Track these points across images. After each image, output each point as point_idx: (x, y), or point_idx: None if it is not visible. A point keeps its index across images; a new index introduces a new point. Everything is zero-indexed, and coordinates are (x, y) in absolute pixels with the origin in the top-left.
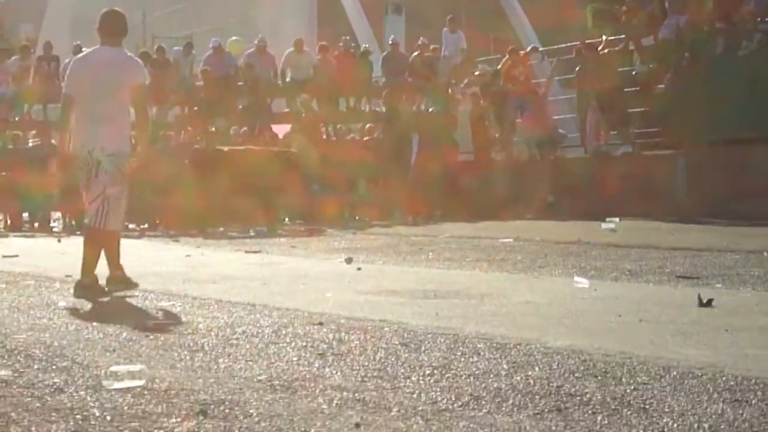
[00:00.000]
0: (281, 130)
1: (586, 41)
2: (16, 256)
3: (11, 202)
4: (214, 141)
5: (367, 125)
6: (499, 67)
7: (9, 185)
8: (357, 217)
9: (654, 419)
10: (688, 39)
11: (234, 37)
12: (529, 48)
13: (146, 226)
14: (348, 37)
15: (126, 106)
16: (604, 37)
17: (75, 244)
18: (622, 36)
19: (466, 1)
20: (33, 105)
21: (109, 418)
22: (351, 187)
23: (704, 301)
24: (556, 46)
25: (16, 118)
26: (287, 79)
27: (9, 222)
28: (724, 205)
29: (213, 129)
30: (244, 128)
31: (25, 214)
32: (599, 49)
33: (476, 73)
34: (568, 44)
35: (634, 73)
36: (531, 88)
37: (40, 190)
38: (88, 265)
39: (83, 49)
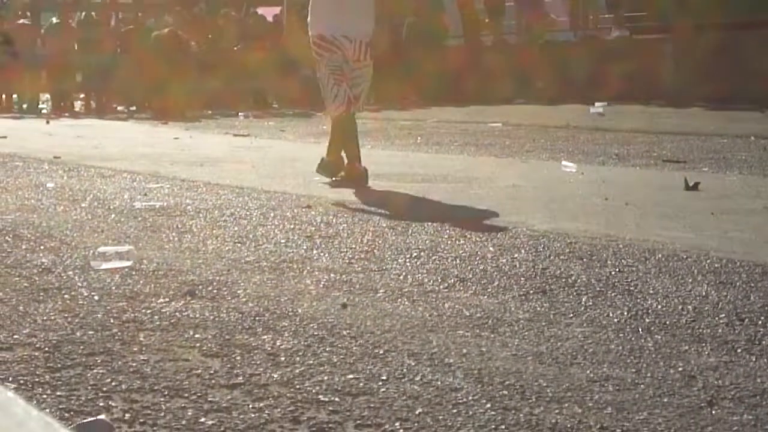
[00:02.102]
0: (270, 12)
1: None
2: (5, 137)
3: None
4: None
5: None
6: None
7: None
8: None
9: (638, 301)
10: None
11: None
12: None
13: (134, 108)
14: None
15: None
16: None
17: (63, 126)
18: None
19: None
20: None
21: (96, 297)
22: None
23: (690, 185)
24: None
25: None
26: None
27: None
28: (713, 90)
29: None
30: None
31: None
32: None
33: None
34: None
35: None
36: None
37: (29, 70)
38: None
39: None
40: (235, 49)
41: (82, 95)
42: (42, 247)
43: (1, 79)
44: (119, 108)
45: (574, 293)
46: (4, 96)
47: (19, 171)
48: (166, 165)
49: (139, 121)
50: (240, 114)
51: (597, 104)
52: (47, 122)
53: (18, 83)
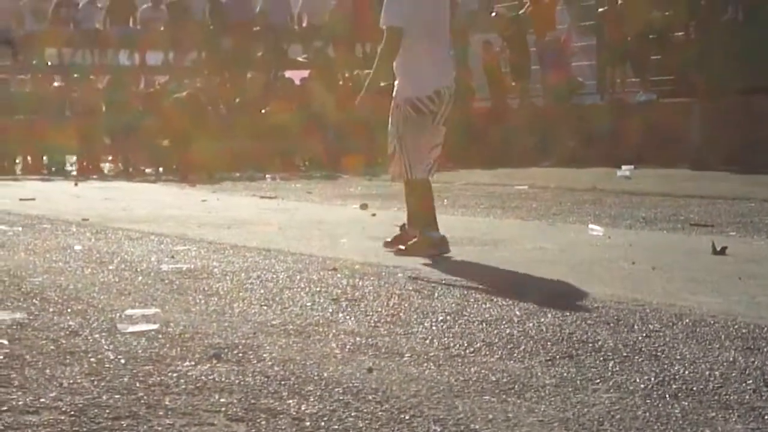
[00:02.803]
0: (298, 75)
1: None
2: (33, 199)
3: (31, 146)
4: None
5: None
6: (521, 12)
7: (29, 129)
8: (378, 162)
9: (665, 366)
10: None
11: None
12: None
13: (161, 170)
14: None
15: None
16: None
17: (92, 188)
18: None
19: None
20: (47, 49)
21: (123, 361)
22: (368, 133)
23: (718, 249)
24: None
25: (34, 62)
26: (303, 25)
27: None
28: (739, 153)
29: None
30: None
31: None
32: None
33: (493, 14)
34: None
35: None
36: (554, 34)
37: (61, 134)
38: (434, 217)
39: None
40: (263, 111)
41: (110, 157)
42: (69, 310)
43: (30, 140)
44: (147, 170)
45: (601, 358)
46: (30, 157)
47: (47, 233)
48: (194, 227)
49: (166, 184)
50: (267, 176)
51: (624, 167)
52: (75, 184)
53: (46, 144)
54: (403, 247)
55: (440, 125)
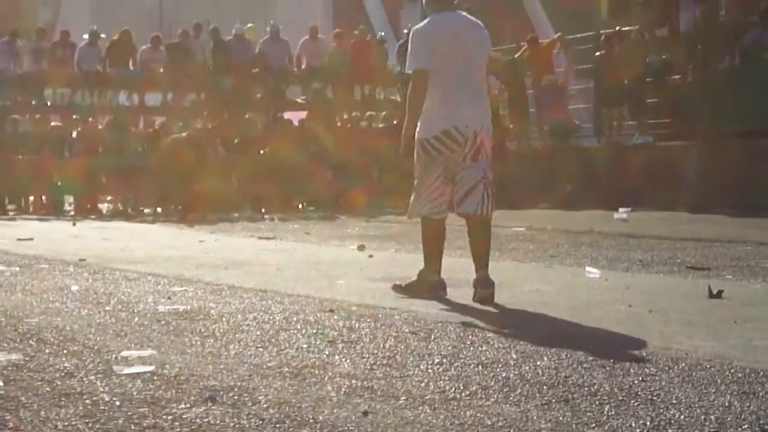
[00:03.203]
0: (296, 117)
1: (617, 29)
2: (32, 239)
3: (38, 185)
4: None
5: (383, 113)
6: (516, 55)
7: (35, 169)
8: (377, 204)
9: (661, 411)
10: (703, 31)
11: (250, 24)
12: (555, 36)
13: (160, 210)
14: (364, 26)
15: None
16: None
17: (90, 228)
18: (636, 26)
19: None
20: (46, 88)
21: (118, 403)
22: (366, 174)
23: (714, 292)
24: (572, 36)
25: (33, 102)
26: (302, 67)
27: (40, 203)
28: (737, 196)
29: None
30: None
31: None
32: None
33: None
34: (584, 34)
35: (647, 61)
36: (551, 78)
37: (64, 173)
38: (432, 259)
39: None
40: (261, 152)
41: (108, 197)
42: (65, 351)
43: (32, 179)
44: (145, 210)
45: (597, 402)
46: (32, 198)
47: (45, 273)
48: (191, 268)
49: (165, 224)
50: (265, 216)
51: (621, 210)
52: (74, 224)
53: (47, 184)
54: (399, 283)
55: (467, 162)
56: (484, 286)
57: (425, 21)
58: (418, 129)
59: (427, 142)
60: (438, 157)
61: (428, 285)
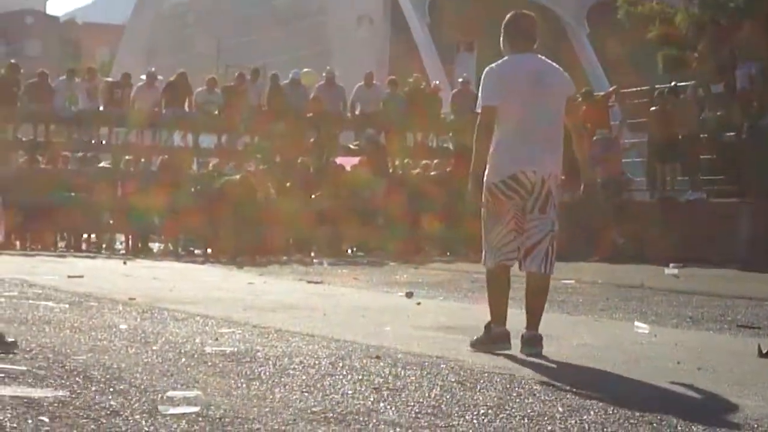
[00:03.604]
0: (348, 162)
1: (673, 84)
2: (82, 276)
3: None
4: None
5: (435, 161)
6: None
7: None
8: (425, 249)
9: None
10: (759, 88)
11: (306, 69)
12: (611, 89)
13: (210, 251)
14: (419, 75)
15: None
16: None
17: (140, 267)
18: (692, 82)
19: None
20: (102, 127)
21: None
22: (416, 221)
23: (765, 352)
24: (627, 90)
25: (93, 141)
26: (356, 112)
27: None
28: None
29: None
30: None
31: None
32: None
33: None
34: (639, 88)
35: (701, 118)
36: (605, 132)
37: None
38: (497, 310)
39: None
40: (313, 197)
41: (162, 236)
42: (111, 389)
43: (81, 220)
44: (196, 251)
45: None
46: (84, 236)
47: (94, 311)
48: (239, 310)
49: (214, 265)
50: (315, 260)
51: (672, 265)
52: (124, 263)
53: (97, 224)
54: (472, 340)
55: (535, 212)
56: (534, 344)
57: (501, 60)
58: (486, 172)
59: (495, 186)
60: (506, 203)
61: (492, 337)
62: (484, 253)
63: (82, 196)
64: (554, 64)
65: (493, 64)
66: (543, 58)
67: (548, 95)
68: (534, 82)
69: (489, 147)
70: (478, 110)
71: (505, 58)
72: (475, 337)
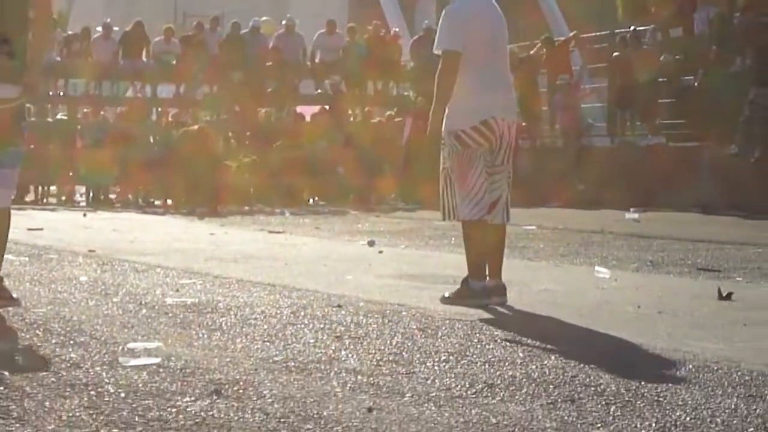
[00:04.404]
0: (308, 111)
1: (633, 28)
2: (41, 229)
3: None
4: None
5: (395, 109)
6: (532, 52)
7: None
8: (392, 197)
9: (667, 412)
10: (716, 32)
11: (265, 18)
12: (570, 35)
13: (170, 202)
14: (378, 22)
15: None
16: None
17: (100, 219)
18: (651, 26)
19: None
20: (58, 79)
21: (123, 395)
22: (377, 170)
23: (724, 294)
24: (587, 35)
25: (50, 93)
26: (316, 61)
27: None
28: (749, 198)
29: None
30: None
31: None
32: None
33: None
34: (599, 33)
35: (661, 60)
36: (566, 77)
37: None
38: (479, 266)
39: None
40: (274, 146)
41: (118, 188)
42: (72, 342)
43: (38, 171)
44: (156, 202)
45: (603, 402)
46: (41, 188)
47: (54, 264)
48: (200, 261)
49: (175, 216)
50: (276, 210)
51: (632, 210)
52: (84, 215)
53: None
54: (447, 295)
55: (500, 162)
56: (502, 292)
57: (455, 3)
58: (449, 120)
59: (465, 133)
60: (477, 149)
61: (472, 292)
62: (452, 206)
63: (40, 148)
64: (496, 4)
65: (451, 6)
66: None
67: (500, 38)
68: (489, 24)
69: (451, 93)
70: (437, 51)
71: (457, 1)
72: (447, 294)
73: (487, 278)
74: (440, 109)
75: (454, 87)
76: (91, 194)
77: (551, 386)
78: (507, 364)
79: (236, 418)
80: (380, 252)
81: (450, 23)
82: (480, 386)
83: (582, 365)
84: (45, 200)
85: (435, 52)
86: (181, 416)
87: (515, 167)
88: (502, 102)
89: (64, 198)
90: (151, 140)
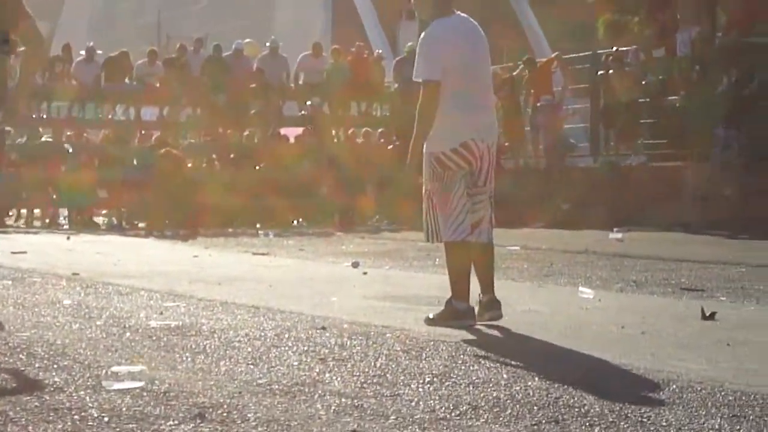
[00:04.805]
0: (292, 133)
1: (615, 49)
2: (25, 252)
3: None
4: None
5: (379, 129)
6: (515, 73)
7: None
8: (375, 218)
9: None
10: (698, 53)
11: (248, 40)
12: (552, 55)
13: (143, 225)
14: (361, 43)
15: None
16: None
17: (83, 241)
18: (633, 47)
19: (479, 8)
20: (42, 102)
21: (106, 419)
22: (360, 190)
23: (707, 314)
24: (570, 56)
25: (33, 116)
26: (300, 82)
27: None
28: (732, 217)
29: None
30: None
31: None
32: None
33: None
34: (582, 54)
35: (644, 83)
36: (548, 98)
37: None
38: (462, 287)
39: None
40: (257, 168)
41: (103, 211)
42: (55, 366)
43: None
44: (140, 224)
45: (587, 424)
46: (25, 211)
47: (37, 287)
48: (184, 283)
49: (158, 239)
50: (260, 232)
51: (616, 230)
52: (68, 238)
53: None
54: (432, 316)
55: (482, 183)
56: (495, 307)
57: (433, 25)
58: (429, 143)
59: (445, 155)
60: (457, 172)
61: (456, 313)
62: (435, 228)
63: (24, 171)
64: (475, 22)
65: (429, 31)
66: (466, 16)
67: (481, 57)
68: (470, 45)
69: (432, 124)
70: (417, 79)
71: (435, 23)
72: (431, 315)
73: (480, 295)
74: (420, 141)
75: (435, 117)
76: (72, 216)
77: (535, 407)
78: (491, 385)
79: None
80: (364, 273)
81: (426, 51)
82: (464, 408)
83: (566, 386)
84: (29, 222)
85: (415, 80)
86: None
87: (498, 187)
88: (482, 124)
89: (48, 221)
90: (135, 162)
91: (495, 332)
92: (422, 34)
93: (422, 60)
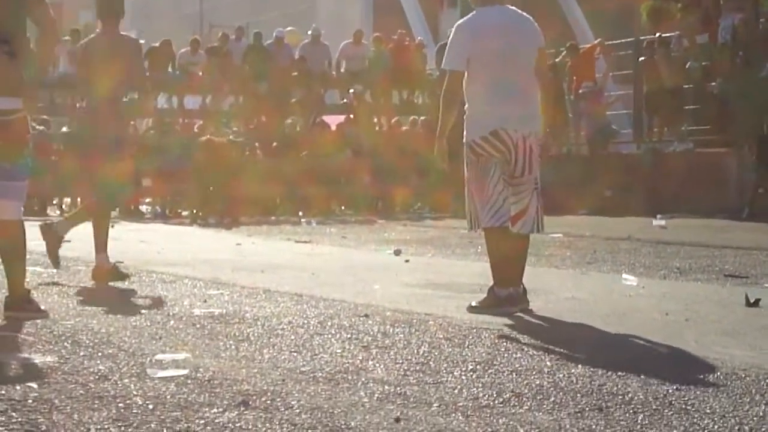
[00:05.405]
0: (334, 121)
1: (658, 35)
2: (69, 241)
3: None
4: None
5: (422, 117)
6: (558, 59)
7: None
8: (417, 206)
9: (695, 420)
10: (741, 39)
11: (290, 28)
12: (595, 42)
13: (198, 212)
14: (403, 31)
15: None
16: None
17: (128, 230)
18: (677, 33)
19: None
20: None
21: (151, 406)
22: (401, 178)
23: (752, 301)
24: (612, 42)
25: (77, 105)
26: (341, 70)
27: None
28: None
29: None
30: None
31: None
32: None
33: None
34: (624, 40)
35: (687, 67)
36: (590, 84)
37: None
38: (504, 274)
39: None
40: (302, 155)
41: (148, 199)
42: (100, 354)
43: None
44: (183, 213)
45: (631, 411)
46: (69, 200)
47: (82, 276)
48: (227, 271)
49: (202, 227)
50: (303, 220)
51: (659, 216)
52: (112, 226)
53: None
54: (474, 304)
55: (520, 174)
56: (521, 301)
57: (470, 15)
58: (465, 131)
59: (475, 143)
60: (490, 159)
61: (498, 300)
62: (474, 215)
63: (66, 161)
64: (524, 14)
65: (462, 21)
66: (513, 8)
67: (521, 48)
68: (505, 35)
69: (455, 113)
70: (445, 67)
71: (474, 12)
72: (473, 303)
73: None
74: (444, 129)
75: (456, 106)
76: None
77: (579, 395)
78: (534, 372)
79: (264, 429)
80: (407, 261)
81: (454, 40)
82: (507, 395)
83: (609, 373)
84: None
85: (444, 68)
86: (209, 427)
87: (540, 174)
88: (516, 113)
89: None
90: (177, 151)
91: (538, 320)
92: (455, 25)
93: (449, 50)
